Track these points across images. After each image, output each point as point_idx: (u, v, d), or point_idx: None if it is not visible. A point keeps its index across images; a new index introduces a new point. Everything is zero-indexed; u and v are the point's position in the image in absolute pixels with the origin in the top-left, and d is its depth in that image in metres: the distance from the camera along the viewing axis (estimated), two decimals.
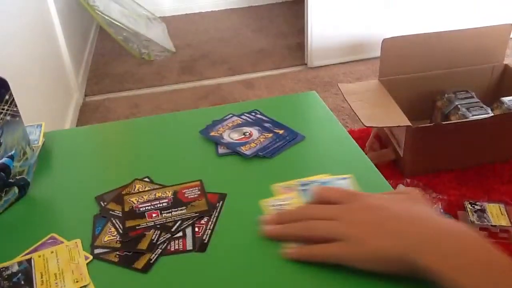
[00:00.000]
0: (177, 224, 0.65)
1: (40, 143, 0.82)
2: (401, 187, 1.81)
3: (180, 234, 0.64)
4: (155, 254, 0.61)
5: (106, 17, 2.97)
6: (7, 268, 0.59)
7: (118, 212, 0.68)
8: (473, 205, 1.71)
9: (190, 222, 0.65)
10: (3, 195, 0.69)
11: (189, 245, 0.62)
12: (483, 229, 1.62)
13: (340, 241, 0.53)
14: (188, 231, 0.64)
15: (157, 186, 0.72)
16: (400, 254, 0.49)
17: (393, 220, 0.52)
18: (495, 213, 1.68)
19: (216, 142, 0.82)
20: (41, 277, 0.58)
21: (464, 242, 0.47)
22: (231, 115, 0.89)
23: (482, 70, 2.29)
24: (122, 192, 0.71)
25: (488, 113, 2.01)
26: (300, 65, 2.98)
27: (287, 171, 0.75)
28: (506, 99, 2.08)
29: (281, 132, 0.83)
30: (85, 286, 0.57)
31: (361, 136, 2.18)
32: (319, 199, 0.61)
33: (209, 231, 0.64)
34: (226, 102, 2.56)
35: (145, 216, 0.66)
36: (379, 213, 0.54)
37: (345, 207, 0.57)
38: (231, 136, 0.83)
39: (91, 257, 0.61)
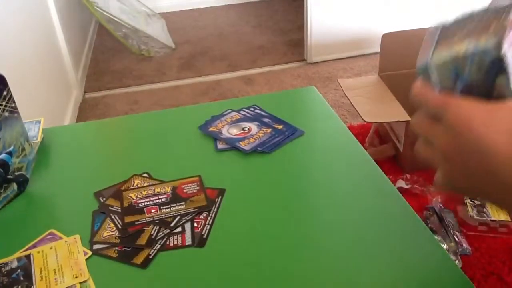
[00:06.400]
0: (176, 220, 0.65)
1: (39, 139, 0.81)
2: (400, 182, 1.81)
3: (179, 229, 0.64)
4: (154, 250, 0.61)
5: (105, 14, 2.97)
6: (6, 264, 0.59)
7: (117, 207, 0.68)
8: (472, 200, 1.71)
9: (189, 218, 0.65)
10: (2, 191, 0.69)
11: (188, 241, 0.62)
12: (483, 224, 1.62)
13: None
14: (187, 226, 0.64)
15: (156, 182, 0.72)
16: None
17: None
18: (495, 208, 1.68)
19: (215, 138, 0.82)
20: (40, 273, 0.58)
21: None
22: (230, 110, 0.89)
23: None
24: (121, 188, 0.71)
25: None
26: (300, 61, 2.97)
27: (286, 166, 0.75)
28: None
29: (280, 127, 0.83)
30: (84, 281, 0.57)
31: (360, 132, 2.18)
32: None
33: (208, 226, 0.64)
34: (226, 98, 2.56)
35: (144, 212, 0.66)
36: None
37: None
38: (230, 131, 0.83)
39: (90, 252, 0.61)
